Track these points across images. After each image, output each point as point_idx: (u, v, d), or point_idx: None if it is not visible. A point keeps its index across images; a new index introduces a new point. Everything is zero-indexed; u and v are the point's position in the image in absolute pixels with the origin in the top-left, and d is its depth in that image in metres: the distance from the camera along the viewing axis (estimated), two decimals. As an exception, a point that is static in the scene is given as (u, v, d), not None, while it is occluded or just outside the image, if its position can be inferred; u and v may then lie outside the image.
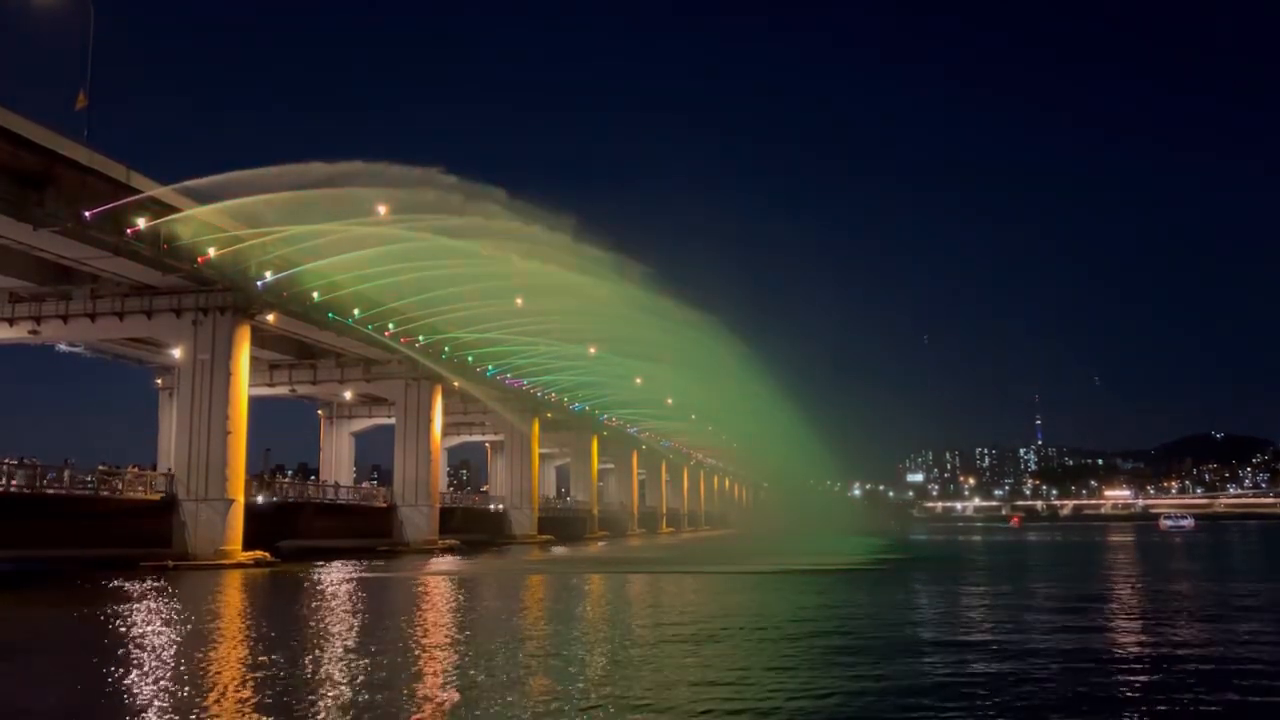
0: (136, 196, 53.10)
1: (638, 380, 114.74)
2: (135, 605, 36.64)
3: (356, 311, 72.71)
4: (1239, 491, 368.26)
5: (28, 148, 47.82)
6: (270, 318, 67.83)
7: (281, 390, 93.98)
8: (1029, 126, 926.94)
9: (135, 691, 19.03)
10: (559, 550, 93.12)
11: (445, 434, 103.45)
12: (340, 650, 25.06)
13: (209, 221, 56.58)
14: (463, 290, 72.02)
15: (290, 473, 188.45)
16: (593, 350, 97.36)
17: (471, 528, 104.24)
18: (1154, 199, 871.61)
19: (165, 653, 24.69)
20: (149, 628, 29.85)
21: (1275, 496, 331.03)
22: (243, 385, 63.58)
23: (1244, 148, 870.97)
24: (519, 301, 77.75)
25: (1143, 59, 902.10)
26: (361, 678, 20.65)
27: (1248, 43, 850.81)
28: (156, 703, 17.94)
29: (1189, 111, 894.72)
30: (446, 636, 28.69)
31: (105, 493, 58.24)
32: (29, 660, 24.85)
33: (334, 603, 39.35)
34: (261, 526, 64.80)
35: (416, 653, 24.83)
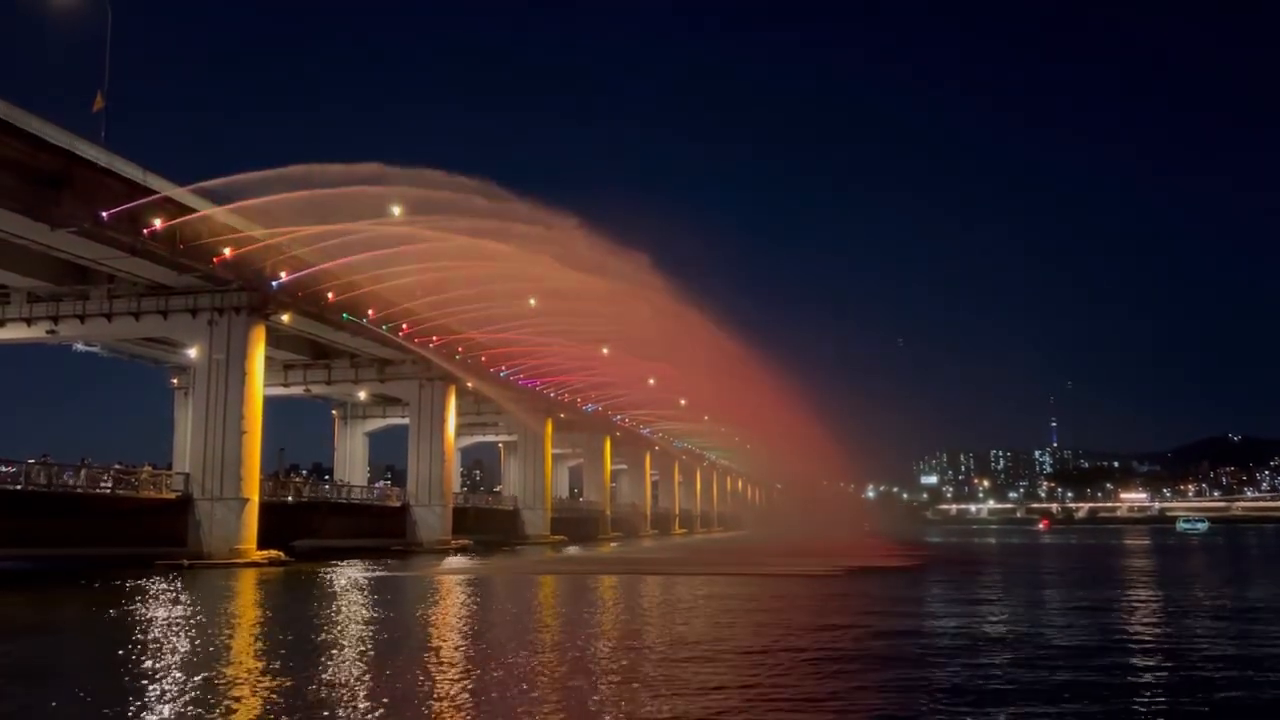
0: (153, 197, 53.37)
1: (651, 381, 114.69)
2: (157, 603, 36.81)
3: (371, 312, 72.87)
4: (1256, 495, 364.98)
5: (46, 148, 48.13)
6: (285, 318, 68.03)
7: (296, 390, 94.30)
8: (1044, 123, 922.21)
9: (167, 687, 19.10)
10: (573, 551, 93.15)
11: (459, 434, 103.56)
12: (360, 644, 25.12)
13: (225, 222, 56.84)
14: (477, 291, 72.11)
15: (305, 472, 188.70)
16: (606, 351, 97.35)
17: (485, 528, 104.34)
18: (1169, 197, 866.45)
19: (193, 647, 24.80)
20: (174, 624, 30.00)
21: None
22: (258, 385, 63.82)
23: (1261, 146, 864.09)
24: (532, 302, 77.82)
25: (1152, 56, 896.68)
26: (389, 674, 20.70)
27: (1249, 44, 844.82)
28: (187, 694, 18.05)
29: (1206, 108, 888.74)
30: (468, 637, 28.70)
31: (121, 491, 58.56)
32: (60, 663, 24.97)
33: (351, 601, 39.48)
34: (276, 526, 64.99)
35: (448, 654, 24.87)
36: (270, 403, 70.50)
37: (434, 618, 34.03)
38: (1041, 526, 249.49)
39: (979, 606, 37.58)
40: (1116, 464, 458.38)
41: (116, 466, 61.04)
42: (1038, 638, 27.66)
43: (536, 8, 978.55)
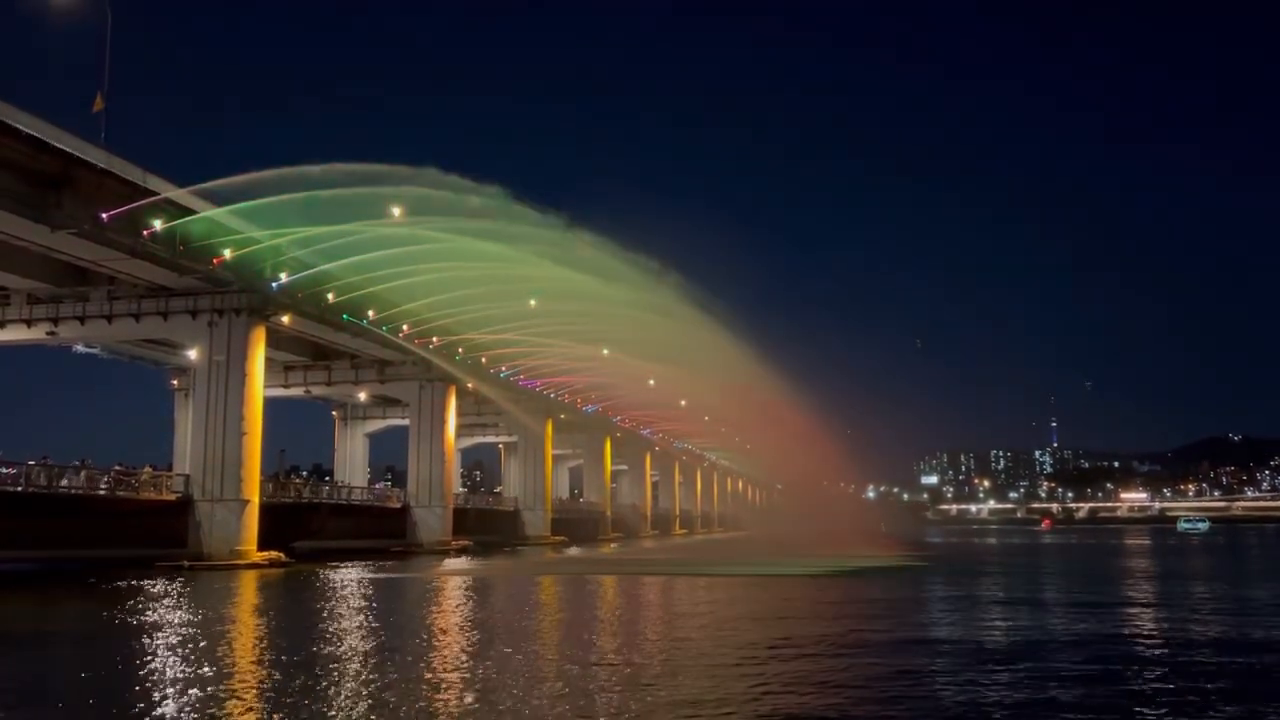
0: (153, 198, 53.25)
1: (651, 381, 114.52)
2: (158, 607, 36.70)
3: (371, 313, 72.80)
4: (1257, 495, 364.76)
5: (46, 150, 47.97)
6: (285, 319, 67.94)
7: (296, 391, 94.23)
8: (1046, 125, 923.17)
9: (171, 688, 19.02)
10: (573, 552, 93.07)
11: (459, 435, 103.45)
12: (364, 650, 25.04)
13: (225, 223, 56.69)
14: (477, 292, 72.00)
15: (305, 474, 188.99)
16: (606, 351, 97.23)
17: (485, 529, 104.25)
18: (1169, 197, 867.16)
19: (196, 649, 24.72)
20: (177, 626, 29.91)
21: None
22: (258, 386, 63.74)
23: (1260, 145, 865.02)
24: (532, 303, 77.72)
25: (1151, 55, 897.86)
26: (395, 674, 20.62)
27: (1254, 39, 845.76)
28: (191, 696, 17.99)
29: (1202, 108, 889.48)
30: (473, 640, 28.61)
31: (122, 493, 58.49)
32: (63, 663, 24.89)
33: (353, 604, 39.39)
34: (276, 527, 64.92)
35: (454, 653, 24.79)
36: (270, 404, 70.42)
37: (437, 621, 33.92)
38: (1044, 526, 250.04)
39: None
40: (1116, 464, 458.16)
41: (117, 468, 61.00)
42: (1049, 642, 27.56)
43: (538, 6, 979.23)
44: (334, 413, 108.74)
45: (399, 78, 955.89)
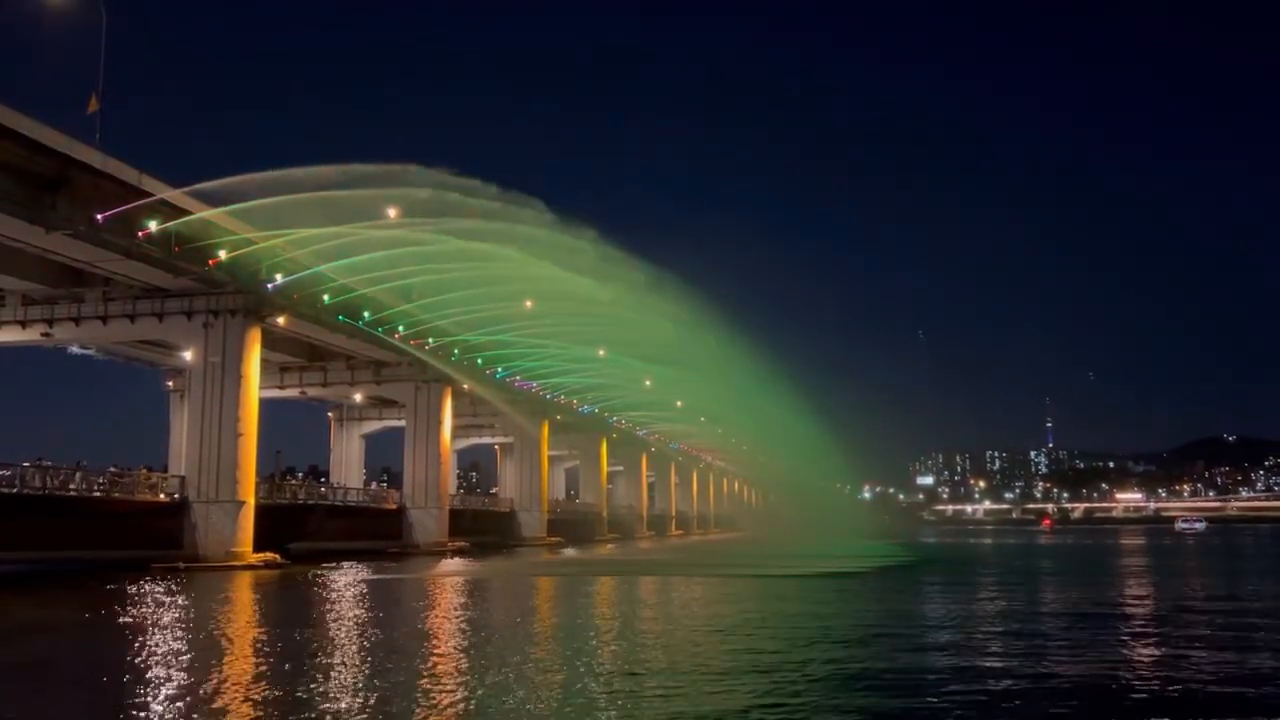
0: (148, 199, 53.15)
1: (647, 382, 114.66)
2: (155, 610, 36.63)
3: (367, 314, 72.77)
4: (1251, 495, 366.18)
5: (42, 151, 47.90)
6: (281, 320, 67.86)
7: (292, 392, 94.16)
8: (1040, 124, 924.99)
9: (169, 691, 18.97)
10: (570, 553, 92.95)
11: (455, 436, 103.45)
12: (361, 652, 25.00)
13: (220, 224, 56.64)
14: (473, 293, 72.04)
15: (300, 475, 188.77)
16: (602, 353, 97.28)
17: (481, 530, 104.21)
18: (1164, 197, 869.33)
19: (195, 653, 24.67)
20: (174, 629, 29.86)
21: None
22: (253, 387, 63.64)
23: (1256, 145, 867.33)
24: (529, 304, 77.71)
25: (1149, 55, 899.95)
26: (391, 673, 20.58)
27: (1254, 39, 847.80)
28: (188, 700, 17.94)
29: (1197, 108, 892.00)
30: (471, 642, 28.57)
31: (117, 494, 58.38)
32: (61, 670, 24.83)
33: (349, 605, 39.34)
34: (272, 528, 64.82)
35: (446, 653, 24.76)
36: (266, 405, 70.22)
37: (435, 622, 33.88)
38: (1044, 525, 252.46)
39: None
40: (1112, 464, 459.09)
41: (112, 469, 60.89)
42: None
43: (539, 6, 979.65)
44: (329, 414, 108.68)
45: (399, 77, 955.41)
